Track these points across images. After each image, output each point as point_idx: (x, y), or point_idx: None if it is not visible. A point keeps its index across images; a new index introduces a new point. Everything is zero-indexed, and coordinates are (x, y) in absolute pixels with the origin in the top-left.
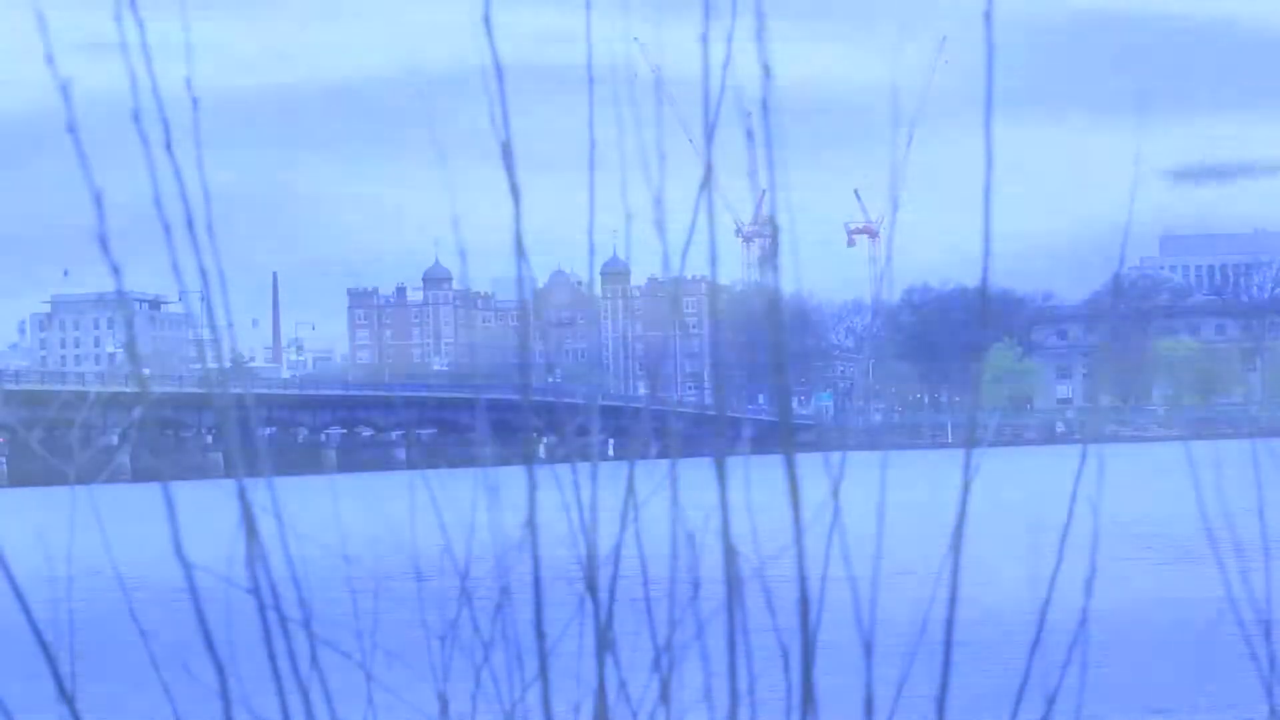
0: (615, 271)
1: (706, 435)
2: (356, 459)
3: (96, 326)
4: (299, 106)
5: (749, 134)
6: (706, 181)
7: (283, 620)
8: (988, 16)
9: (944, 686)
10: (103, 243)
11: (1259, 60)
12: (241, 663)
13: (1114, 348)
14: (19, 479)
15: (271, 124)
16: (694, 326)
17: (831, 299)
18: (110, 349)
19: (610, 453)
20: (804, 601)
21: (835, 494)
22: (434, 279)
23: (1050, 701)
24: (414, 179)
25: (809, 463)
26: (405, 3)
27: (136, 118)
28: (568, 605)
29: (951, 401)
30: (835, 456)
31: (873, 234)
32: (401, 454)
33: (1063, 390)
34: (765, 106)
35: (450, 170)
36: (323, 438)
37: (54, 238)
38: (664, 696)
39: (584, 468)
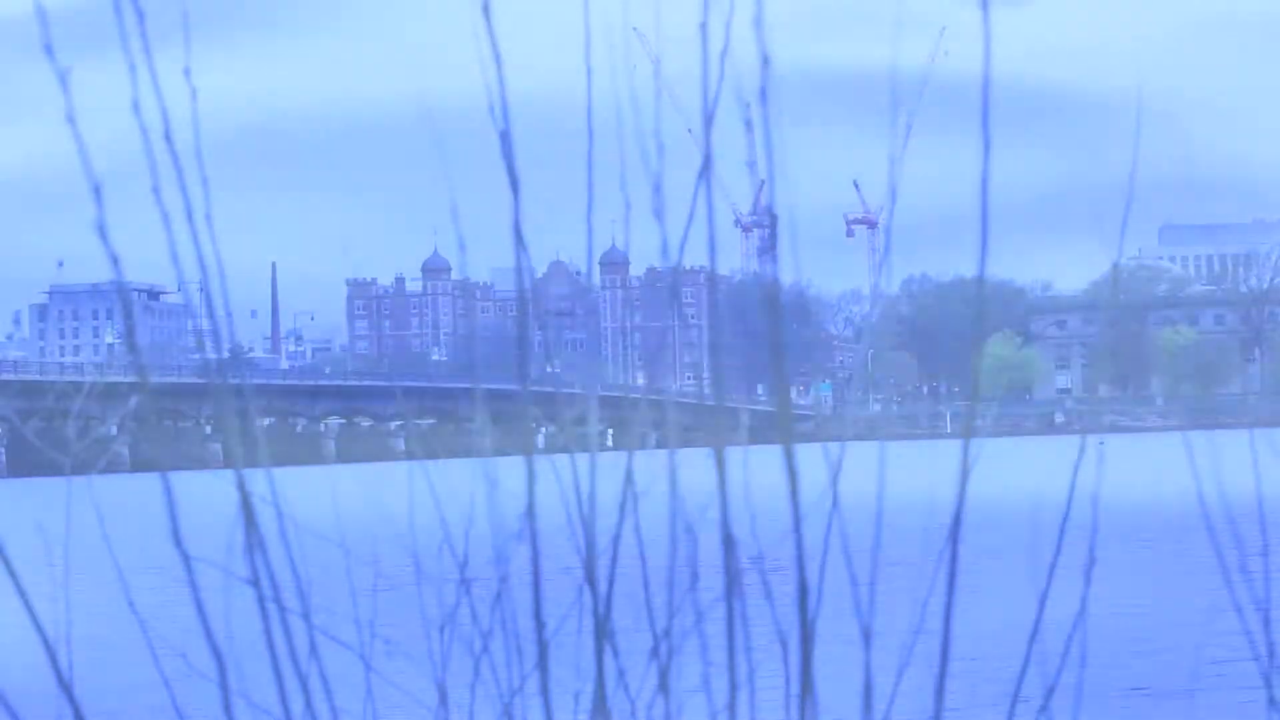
0: (614, 261)
1: (705, 425)
2: (355, 449)
3: (95, 317)
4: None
5: (748, 124)
6: (705, 171)
7: (281, 610)
8: (984, 6)
9: (942, 676)
10: (101, 233)
11: None
12: (240, 653)
13: (1113, 338)
14: (17, 469)
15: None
16: (693, 316)
17: (830, 289)
18: (109, 339)
19: (609, 443)
20: (803, 590)
21: (834, 483)
22: (433, 269)
23: (1049, 692)
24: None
25: (808, 452)
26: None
27: (136, 109)
28: (567, 595)
29: (950, 391)
30: (834, 446)
31: (871, 224)
32: (400, 444)
33: (1062, 380)
34: (764, 96)
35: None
36: (321, 428)
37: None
38: (663, 686)
39: (583, 458)
